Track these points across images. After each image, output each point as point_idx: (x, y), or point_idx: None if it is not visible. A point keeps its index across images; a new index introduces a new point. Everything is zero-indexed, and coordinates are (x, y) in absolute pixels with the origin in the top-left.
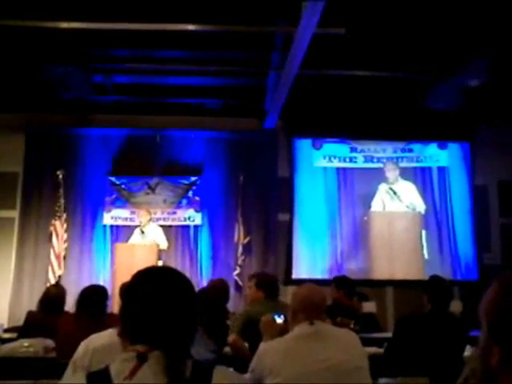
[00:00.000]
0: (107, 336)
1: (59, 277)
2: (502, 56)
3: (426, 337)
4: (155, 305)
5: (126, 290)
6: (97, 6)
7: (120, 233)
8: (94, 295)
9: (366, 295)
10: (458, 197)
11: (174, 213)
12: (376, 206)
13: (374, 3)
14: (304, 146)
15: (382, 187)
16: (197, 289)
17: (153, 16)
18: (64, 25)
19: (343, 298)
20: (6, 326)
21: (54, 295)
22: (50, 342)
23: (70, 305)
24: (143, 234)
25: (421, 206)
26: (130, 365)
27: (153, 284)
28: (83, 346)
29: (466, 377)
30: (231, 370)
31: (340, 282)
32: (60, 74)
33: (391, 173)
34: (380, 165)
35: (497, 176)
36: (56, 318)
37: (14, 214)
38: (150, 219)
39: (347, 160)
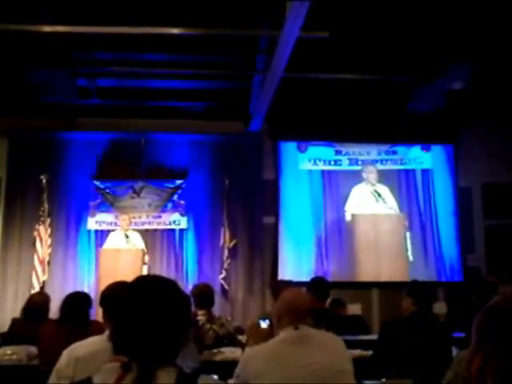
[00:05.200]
0: (90, 344)
1: (43, 282)
2: (485, 59)
3: (410, 339)
4: (145, 320)
5: (119, 302)
6: (80, 9)
7: (105, 237)
8: (76, 302)
9: (343, 302)
10: (442, 199)
11: (159, 217)
12: (352, 207)
13: (357, 7)
14: (289, 148)
15: (363, 189)
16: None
17: (137, 19)
18: (47, 28)
19: (311, 300)
20: None
21: (37, 303)
22: (33, 350)
23: (54, 310)
24: (128, 238)
25: (396, 209)
26: (115, 375)
27: (144, 298)
28: (66, 356)
29: (450, 380)
30: (215, 377)
31: (309, 285)
32: (44, 78)
33: (372, 175)
34: None
35: (480, 178)
36: (39, 326)
37: None
38: (130, 223)
39: (332, 163)
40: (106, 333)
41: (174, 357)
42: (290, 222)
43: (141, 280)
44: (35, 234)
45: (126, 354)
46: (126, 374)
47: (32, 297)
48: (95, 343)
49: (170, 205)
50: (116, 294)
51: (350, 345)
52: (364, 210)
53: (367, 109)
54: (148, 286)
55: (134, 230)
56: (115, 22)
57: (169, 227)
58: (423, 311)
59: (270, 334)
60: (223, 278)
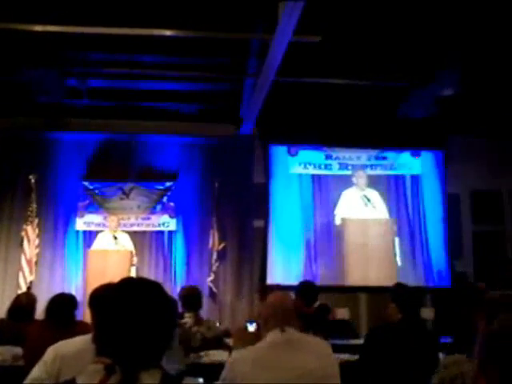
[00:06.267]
0: (76, 344)
1: (30, 282)
2: (475, 66)
3: (397, 347)
4: (130, 322)
5: (103, 304)
6: (72, 9)
7: (93, 238)
8: (62, 304)
9: (329, 307)
10: (431, 205)
11: (149, 218)
12: (342, 212)
13: (349, 12)
14: (280, 152)
15: (353, 193)
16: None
17: (129, 20)
18: (38, 28)
19: (299, 304)
20: None
21: (23, 303)
22: (18, 350)
23: (40, 311)
24: (116, 239)
25: (385, 214)
26: (98, 377)
27: (129, 300)
28: (52, 352)
29: None
30: (200, 380)
31: (297, 289)
32: (34, 78)
33: (362, 180)
34: None
35: (469, 184)
36: (25, 326)
37: None
38: (119, 225)
39: (322, 167)
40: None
41: (158, 359)
42: (280, 225)
43: (126, 282)
44: (23, 233)
45: (109, 356)
46: (110, 376)
47: (18, 297)
48: (81, 342)
49: (159, 206)
50: (104, 295)
51: (338, 349)
52: (353, 214)
53: (358, 114)
54: (133, 288)
55: (123, 231)
56: (107, 23)
57: (158, 229)
58: (409, 318)
59: (257, 337)
60: (212, 281)
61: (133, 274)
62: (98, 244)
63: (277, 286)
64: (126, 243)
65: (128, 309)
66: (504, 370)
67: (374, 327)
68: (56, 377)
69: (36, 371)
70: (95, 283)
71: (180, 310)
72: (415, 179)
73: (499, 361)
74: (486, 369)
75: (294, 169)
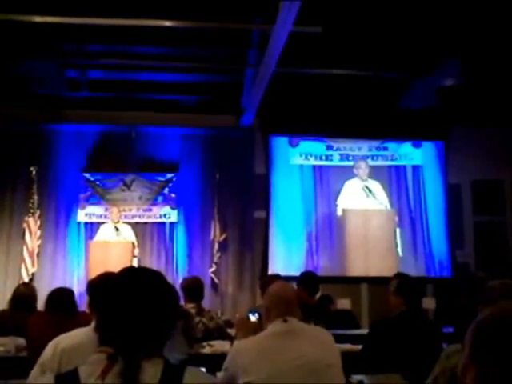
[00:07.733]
0: (76, 336)
1: (32, 274)
2: (476, 56)
3: (400, 340)
4: (132, 311)
5: (106, 292)
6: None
7: (94, 230)
8: (62, 295)
9: (331, 298)
10: (432, 195)
11: (150, 210)
12: (344, 202)
13: (350, 2)
14: (281, 143)
15: (354, 184)
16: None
17: (129, 11)
18: (37, 19)
19: (302, 294)
20: None
21: (23, 294)
22: (21, 341)
23: (42, 302)
24: (118, 231)
25: (387, 205)
26: (101, 366)
27: (131, 289)
28: (51, 348)
29: (436, 375)
30: (203, 369)
31: (299, 279)
32: (33, 69)
33: (364, 170)
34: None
35: (470, 175)
36: (27, 316)
37: None
38: (120, 216)
39: (323, 158)
40: (92, 324)
41: (160, 348)
42: (281, 216)
43: (127, 271)
44: (24, 225)
45: (111, 345)
46: (112, 366)
47: (18, 288)
48: (81, 335)
49: (160, 198)
50: (103, 284)
51: (340, 339)
52: (355, 205)
53: (359, 104)
54: (134, 277)
55: (125, 222)
56: (107, 14)
57: (159, 220)
58: (413, 310)
59: (259, 327)
60: (213, 272)
61: (135, 265)
62: (100, 235)
63: (275, 276)
64: (128, 234)
65: (130, 297)
66: (496, 358)
67: (378, 319)
68: (58, 371)
69: (35, 374)
70: (97, 274)
71: (181, 300)
72: (416, 170)
73: (491, 349)
74: (477, 357)
75: (294, 160)
